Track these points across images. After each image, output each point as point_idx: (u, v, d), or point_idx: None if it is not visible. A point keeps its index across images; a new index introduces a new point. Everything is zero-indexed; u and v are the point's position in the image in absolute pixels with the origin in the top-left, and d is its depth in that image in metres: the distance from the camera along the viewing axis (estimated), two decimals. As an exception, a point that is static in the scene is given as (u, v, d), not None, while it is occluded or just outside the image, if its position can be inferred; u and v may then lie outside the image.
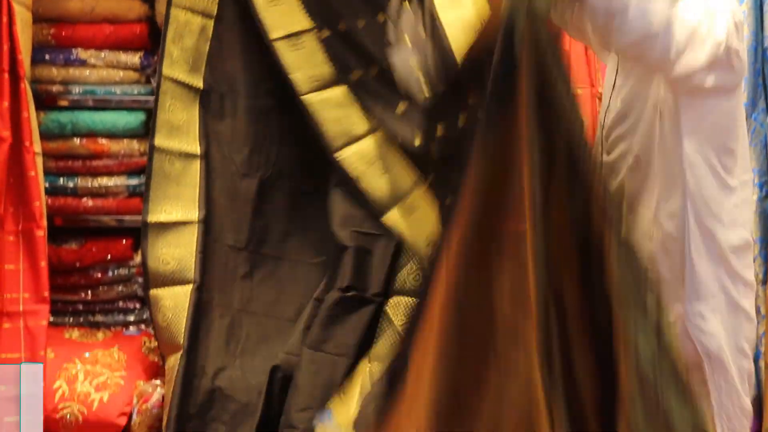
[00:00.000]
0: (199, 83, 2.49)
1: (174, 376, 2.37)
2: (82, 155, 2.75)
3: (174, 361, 2.39)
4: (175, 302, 2.42)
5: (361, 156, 2.42)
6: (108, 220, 2.79)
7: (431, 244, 2.16)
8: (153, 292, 2.44)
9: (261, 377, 2.36)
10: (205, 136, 2.50)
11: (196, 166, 2.49)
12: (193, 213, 2.47)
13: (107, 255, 2.76)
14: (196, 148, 2.49)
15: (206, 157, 2.50)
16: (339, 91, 2.45)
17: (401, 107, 2.37)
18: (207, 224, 2.47)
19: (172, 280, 2.44)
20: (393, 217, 2.39)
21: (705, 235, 1.81)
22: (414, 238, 2.37)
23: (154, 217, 2.46)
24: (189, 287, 2.42)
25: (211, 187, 2.49)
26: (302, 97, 2.44)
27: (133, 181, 2.79)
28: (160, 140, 2.47)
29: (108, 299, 2.78)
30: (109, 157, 2.76)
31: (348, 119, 2.44)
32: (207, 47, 2.49)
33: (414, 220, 2.37)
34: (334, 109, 2.44)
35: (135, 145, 2.79)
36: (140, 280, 2.76)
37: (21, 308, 2.55)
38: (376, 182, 2.41)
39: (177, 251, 2.45)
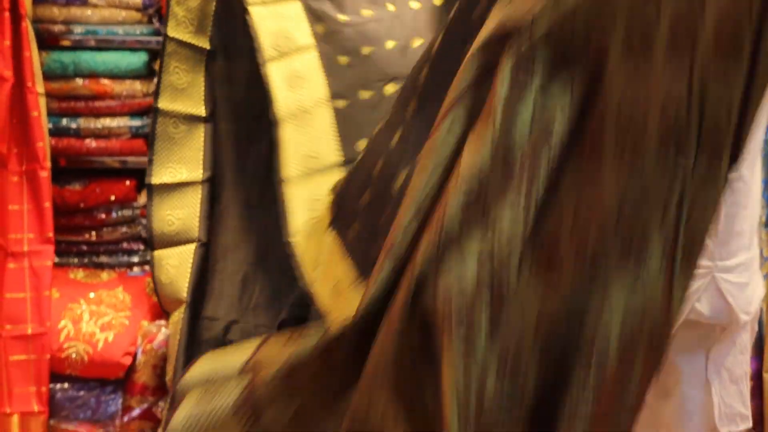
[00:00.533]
0: (206, 44, 2.45)
1: (179, 329, 2.39)
2: (84, 96, 2.73)
3: (178, 316, 2.40)
4: (179, 260, 2.43)
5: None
6: (111, 161, 2.78)
7: None
8: (157, 253, 2.45)
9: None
10: (211, 98, 2.48)
11: (201, 128, 2.48)
12: (198, 173, 2.46)
13: (111, 196, 2.75)
14: (201, 110, 2.48)
15: (212, 119, 2.48)
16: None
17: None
18: (213, 184, 2.46)
19: (177, 240, 2.44)
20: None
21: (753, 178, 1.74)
22: None
23: (158, 179, 2.46)
24: (194, 245, 2.43)
25: (218, 149, 2.47)
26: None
27: (136, 123, 2.77)
28: (163, 103, 2.45)
29: (112, 240, 2.78)
30: (112, 98, 2.74)
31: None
32: (212, 8, 2.46)
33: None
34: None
35: (138, 86, 2.77)
36: (144, 221, 2.77)
37: (25, 248, 2.57)
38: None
39: (181, 212, 2.45)
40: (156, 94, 2.45)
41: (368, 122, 2.32)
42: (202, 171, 2.45)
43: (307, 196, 2.27)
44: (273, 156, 2.30)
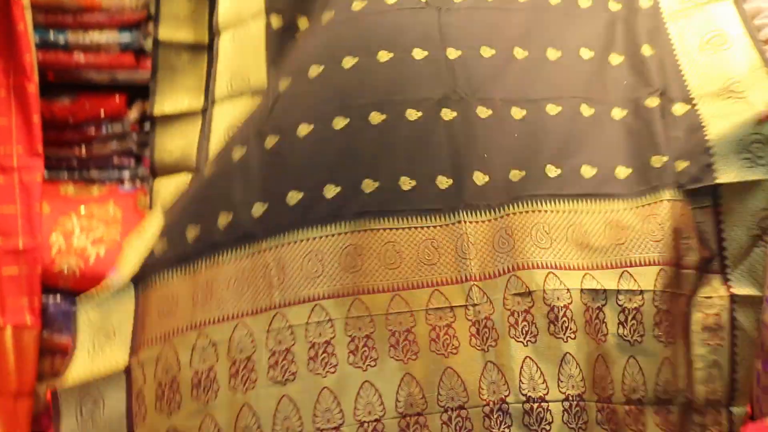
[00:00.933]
0: None
1: None
2: (71, 8, 2.68)
3: None
4: (177, 187, 2.43)
5: None
6: (100, 76, 2.75)
7: None
8: (157, 181, 2.45)
9: None
10: (216, 24, 2.44)
11: (204, 56, 2.44)
12: (199, 102, 2.44)
13: (101, 111, 2.73)
14: (204, 37, 2.44)
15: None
16: None
17: None
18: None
19: (176, 168, 2.44)
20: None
21: None
22: None
23: (159, 110, 2.45)
24: (191, 174, 2.42)
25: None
26: None
27: (125, 37, 2.74)
28: (165, 34, 2.41)
29: (102, 155, 2.77)
30: (100, 12, 2.70)
31: None
32: None
33: None
34: None
35: (126, 0, 2.73)
36: (135, 137, 2.76)
37: (15, 163, 2.56)
38: None
39: (181, 142, 2.45)
40: (155, 25, 2.41)
41: (298, 51, 2.29)
42: (203, 100, 2.44)
43: (227, 119, 2.26)
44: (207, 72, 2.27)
